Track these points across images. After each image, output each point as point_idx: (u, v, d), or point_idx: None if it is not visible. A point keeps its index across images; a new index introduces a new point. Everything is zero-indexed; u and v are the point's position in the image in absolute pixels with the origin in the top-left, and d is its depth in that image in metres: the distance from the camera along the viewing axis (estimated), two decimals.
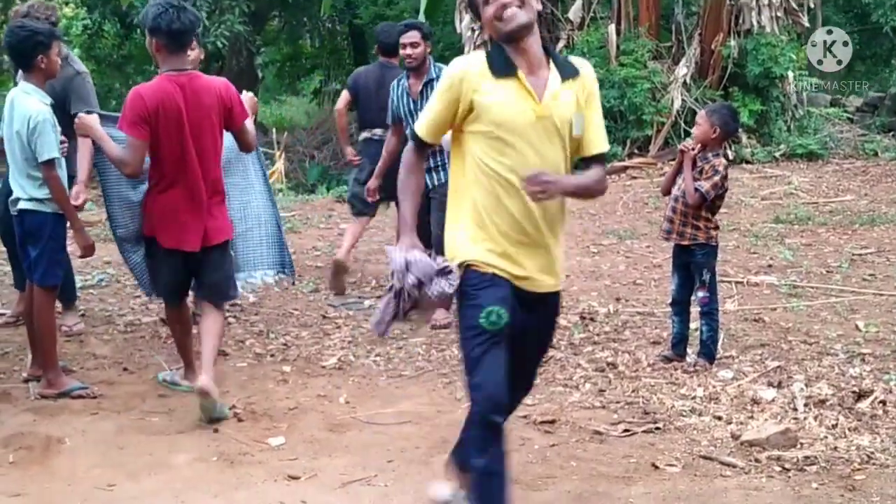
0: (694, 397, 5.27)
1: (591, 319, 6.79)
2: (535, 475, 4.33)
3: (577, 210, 10.79)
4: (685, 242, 5.68)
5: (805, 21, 14.52)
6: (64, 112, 5.67)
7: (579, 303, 7.15)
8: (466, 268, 3.43)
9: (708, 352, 5.74)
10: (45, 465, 4.49)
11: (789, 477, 4.32)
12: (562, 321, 6.69)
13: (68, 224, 5.29)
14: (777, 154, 13.39)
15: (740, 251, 8.92)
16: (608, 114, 13.38)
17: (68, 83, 5.85)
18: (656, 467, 4.43)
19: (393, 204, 7.23)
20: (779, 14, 13.93)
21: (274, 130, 17.69)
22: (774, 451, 4.53)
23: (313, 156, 20.40)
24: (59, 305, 5.91)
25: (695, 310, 5.90)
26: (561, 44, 14.48)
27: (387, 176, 6.63)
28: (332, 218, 10.82)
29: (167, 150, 5.06)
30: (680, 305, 5.86)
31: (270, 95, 28.58)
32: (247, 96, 5.51)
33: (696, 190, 5.57)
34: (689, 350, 5.88)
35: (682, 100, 13.42)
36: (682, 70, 13.70)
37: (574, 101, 3.46)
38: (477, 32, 13.73)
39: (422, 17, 11.89)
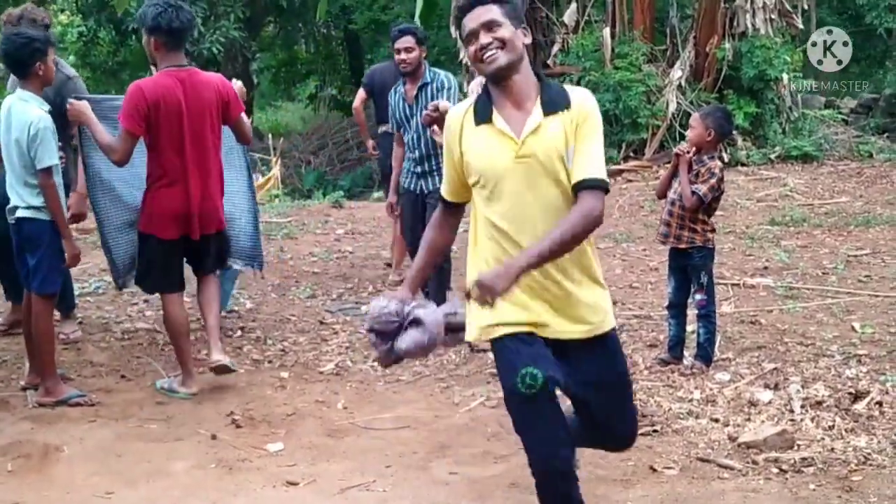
0: (691, 400, 5.28)
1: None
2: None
3: None
4: (682, 246, 5.70)
5: (799, 23, 14.55)
6: (58, 118, 5.68)
7: None
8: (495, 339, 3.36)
9: (705, 354, 5.76)
10: (43, 473, 4.50)
11: (787, 478, 4.33)
12: None
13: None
14: (772, 156, 13.41)
15: (736, 253, 8.94)
16: (603, 117, 13.35)
17: (61, 88, 5.87)
18: (654, 470, 4.44)
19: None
20: (773, 16, 13.95)
21: (270, 136, 17.68)
22: (772, 452, 4.54)
23: (309, 161, 20.43)
24: (56, 314, 5.92)
25: (691, 312, 5.91)
26: (556, 48, 14.53)
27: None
28: (328, 223, 10.82)
29: (168, 143, 5.25)
30: (677, 308, 5.87)
31: (266, 101, 28.65)
32: (236, 85, 5.69)
33: (694, 193, 5.58)
34: (685, 353, 5.89)
35: (678, 103, 13.44)
36: (677, 73, 13.72)
37: (563, 132, 3.26)
38: None
39: (417, 22, 11.89)
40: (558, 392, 3.31)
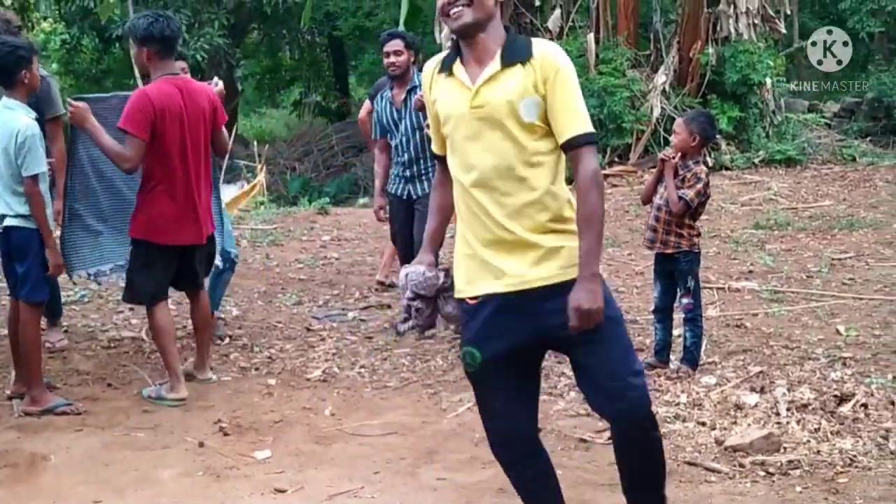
0: (678, 403, 5.30)
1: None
2: None
3: None
4: (669, 250, 5.72)
5: (782, 28, 14.64)
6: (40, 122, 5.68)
7: None
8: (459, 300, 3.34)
9: (691, 358, 5.78)
10: (30, 482, 4.48)
11: (773, 481, 4.35)
12: None
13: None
14: (756, 160, 13.47)
15: (721, 257, 8.97)
16: None
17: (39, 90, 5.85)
18: None
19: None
20: (756, 21, 14.03)
21: (255, 143, 17.67)
22: (758, 455, 4.56)
23: (294, 168, 20.40)
24: (42, 321, 5.90)
25: (677, 316, 5.93)
26: None
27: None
28: (314, 230, 10.82)
29: (171, 149, 5.34)
30: (663, 313, 5.89)
31: (250, 108, 28.61)
32: (218, 86, 5.83)
33: (681, 198, 5.61)
34: (672, 357, 5.91)
35: (662, 108, 13.49)
36: (661, 78, 13.78)
37: (521, 84, 3.15)
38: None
39: (401, 28, 11.91)
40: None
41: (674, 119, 8.99)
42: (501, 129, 3.18)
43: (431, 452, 4.80)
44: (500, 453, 3.48)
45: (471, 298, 3.28)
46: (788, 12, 15.29)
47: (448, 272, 3.42)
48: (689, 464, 4.56)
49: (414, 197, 6.60)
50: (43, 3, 19.45)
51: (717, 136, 12.56)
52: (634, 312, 7.18)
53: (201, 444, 4.88)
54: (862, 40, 18.04)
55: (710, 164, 12.67)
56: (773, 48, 14.60)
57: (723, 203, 11.26)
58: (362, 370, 6.08)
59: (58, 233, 5.61)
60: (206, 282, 6.00)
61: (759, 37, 14.10)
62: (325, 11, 21.64)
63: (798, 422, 4.93)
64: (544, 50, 3.20)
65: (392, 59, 6.68)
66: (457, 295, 3.34)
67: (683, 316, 5.82)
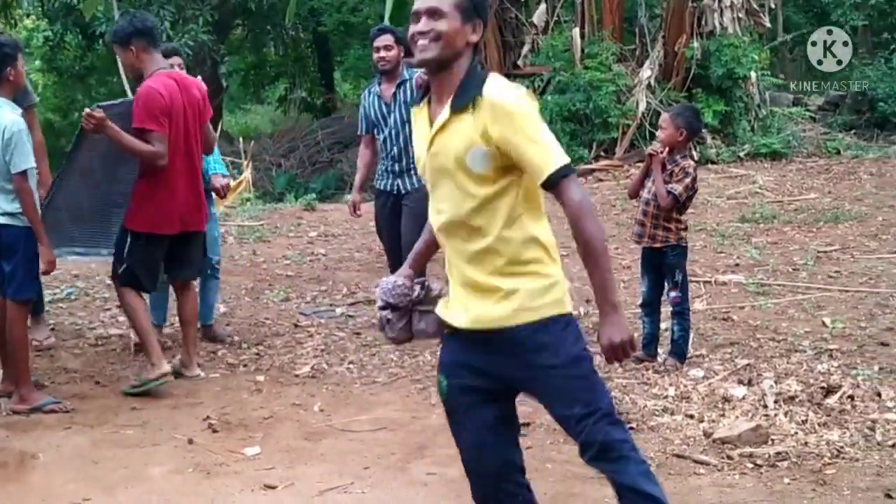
0: (666, 397, 5.32)
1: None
2: None
3: (546, 213, 10.84)
4: (657, 245, 5.74)
5: (766, 22, 14.71)
6: None
7: None
8: None
9: (679, 351, 5.81)
10: (19, 481, 4.47)
11: (761, 473, 4.38)
12: None
13: None
14: (741, 154, 13.52)
15: (707, 251, 9.00)
16: (574, 117, 13.47)
17: None
18: None
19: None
20: (740, 15, 14.09)
21: (241, 140, 17.63)
22: (746, 447, 4.59)
23: (280, 164, 20.35)
24: None
25: (665, 310, 5.96)
26: (526, 48, 14.60)
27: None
28: (300, 226, 10.80)
29: (177, 140, 5.48)
30: (650, 306, 5.92)
31: (235, 104, 28.50)
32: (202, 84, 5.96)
33: (669, 193, 5.63)
34: (659, 350, 5.93)
35: (647, 102, 13.52)
36: (647, 72, 13.81)
37: (468, 136, 2.95)
38: None
39: (387, 24, 11.89)
40: None
41: (659, 113, 9.00)
42: (453, 180, 3.03)
43: (421, 447, 4.81)
44: (472, 487, 3.31)
45: (446, 326, 3.21)
46: (773, 6, 15.39)
47: (424, 284, 3.33)
48: (678, 456, 4.59)
49: (403, 192, 6.58)
50: (26, 0, 19.35)
51: (703, 130, 12.60)
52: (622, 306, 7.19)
53: (191, 441, 4.88)
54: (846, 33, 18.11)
55: (696, 158, 12.71)
56: (758, 42, 14.65)
57: (709, 197, 11.30)
58: (351, 366, 6.09)
59: None
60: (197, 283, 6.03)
61: (744, 31, 14.16)
62: (309, 7, 21.58)
63: (785, 414, 4.96)
64: (493, 94, 2.96)
65: (382, 53, 6.67)
66: (438, 313, 3.25)
67: (671, 309, 5.85)
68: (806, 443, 4.63)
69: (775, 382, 5.37)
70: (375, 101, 6.74)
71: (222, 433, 5.01)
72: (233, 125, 24.59)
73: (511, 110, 2.92)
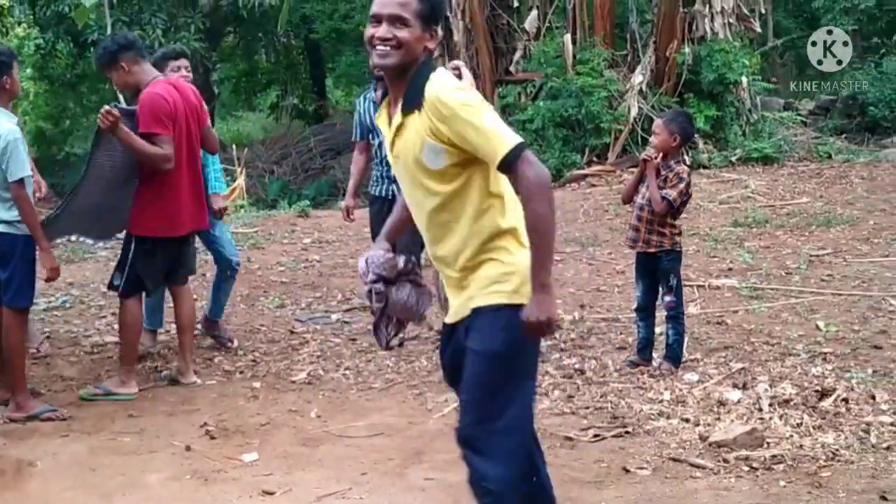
0: (661, 401, 5.34)
1: (557, 327, 6.84)
2: None
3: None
4: (651, 250, 5.77)
5: (757, 27, 14.77)
6: None
7: None
8: None
9: (674, 355, 5.83)
10: (17, 489, 4.47)
11: (757, 476, 4.40)
12: None
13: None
14: (733, 158, 13.56)
15: (700, 255, 9.03)
16: (566, 123, 13.51)
17: None
18: (627, 471, 4.49)
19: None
20: (731, 20, 14.15)
21: (234, 147, 17.63)
22: (742, 451, 4.61)
23: (272, 171, 20.37)
24: None
25: (659, 314, 5.98)
26: (518, 54, 14.63)
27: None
28: (294, 233, 10.82)
29: (180, 144, 5.56)
30: (645, 311, 5.94)
31: (227, 111, 28.51)
32: None
33: (664, 198, 5.65)
34: (654, 354, 5.96)
35: (639, 107, 13.56)
36: (638, 78, 13.85)
37: (419, 135, 3.04)
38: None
39: None
40: None
41: (651, 118, 9.06)
42: (416, 179, 3.14)
43: (418, 453, 4.82)
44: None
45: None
46: (763, 11, 15.44)
47: (409, 259, 3.43)
48: (674, 460, 4.61)
49: (397, 196, 6.59)
50: (17, 8, 19.34)
51: (695, 135, 12.64)
52: (616, 311, 7.23)
53: (188, 448, 4.88)
54: None
55: (689, 163, 12.75)
56: (749, 47, 14.71)
57: (701, 201, 11.33)
58: (347, 372, 6.10)
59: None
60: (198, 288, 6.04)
61: (735, 36, 14.23)
62: (301, 14, 21.63)
63: (780, 417, 4.98)
64: (434, 91, 3.01)
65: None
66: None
67: (665, 314, 5.87)
68: (801, 445, 4.65)
69: (770, 386, 5.39)
70: (371, 106, 6.74)
71: (219, 440, 5.02)
72: (224, 132, 24.55)
73: (452, 104, 2.98)
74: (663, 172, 5.72)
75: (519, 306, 3.04)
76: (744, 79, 13.98)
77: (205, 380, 5.96)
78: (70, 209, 5.53)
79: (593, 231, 10.31)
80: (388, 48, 3.05)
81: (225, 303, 6.71)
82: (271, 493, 4.36)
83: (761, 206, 11.29)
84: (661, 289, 5.84)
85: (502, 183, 3.12)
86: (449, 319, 3.28)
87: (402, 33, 3.04)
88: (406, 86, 3.09)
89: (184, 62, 6.33)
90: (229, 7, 19.81)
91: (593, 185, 12.84)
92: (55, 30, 19.25)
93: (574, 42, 14.20)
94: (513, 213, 3.13)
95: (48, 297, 7.67)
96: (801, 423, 4.90)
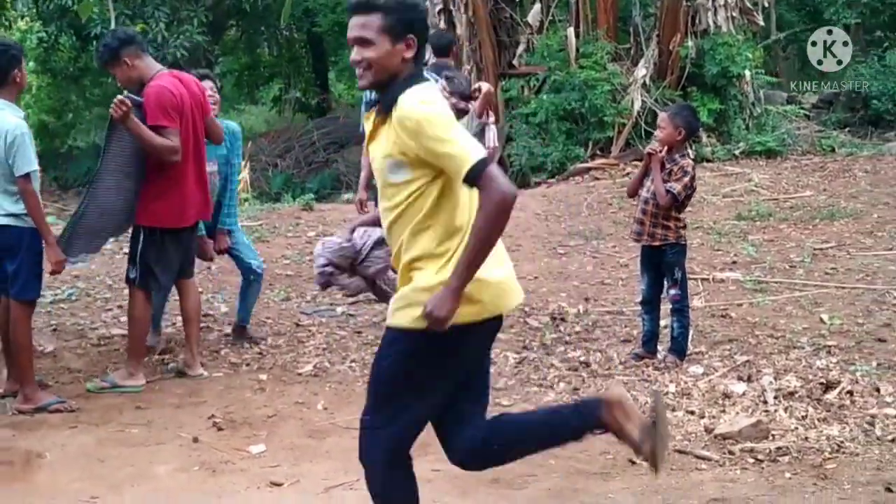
0: (667, 393, 5.36)
1: (562, 320, 6.87)
2: (515, 474, 4.37)
3: (542, 212, 10.91)
4: (656, 243, 5.78)
5: (760, 20, 14.76)
6: None
7: (549, 304, 7.24)
8: None
9: (679, 348, 5.85)
10: (26, 480, 4.50)
11: (763, 468, 4.42)
12: (533, 322, 6.80)
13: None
14: (737, 152, 13.56)
15: (705, 248, 9.05)
16: (569, 116, 13.51)
17: None
18: (633, 463, 4.50)
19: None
20: (734, 14, 14.13)
21: None
22: (747, 443, 4.63)
23: (276, 164, 20.37)
24: None
25: (664, 307, 6.00)
26: (521, 48, 14.62)
27: None
28: (299, 226, 10.82)
29: (186, 136, 5.59)
30: (650, 304, 5.96)
31: (229, 105, 28.48)
32: None
33: (668, 192, 5.67)
34: (659, 347, 5.98)
35: (642, 101, 13.55)
36: (642, 71, 13.84)
37: (385, 147, 3.11)
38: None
39: None
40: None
41: (654, 112, 9.06)
42: (383, 189, 3.21)
43: (425, 444, 4.76)
44: None
45: None
46: (766, 5, 15.43)
47: (378, 243, 3.57)
48: (680, 452, 4.63)
49: None
50: (20, 2, 19.33)
51: (700, 128, 12.64)
52: (621, 304, 7.25)
53: (196, 440, 4.90)
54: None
55: (693, 157, 12.74)
56: (752, 40, 14.69)
57: (705, 195, 11.33)
58: (353, 364, 6.12)
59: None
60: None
61: (738, 29, 14.20)
62: (303, 8, 21.62)
63: (785, 409, 5.01)
64: (401, 105, 3.04)
65: None
66: None
67: (670, 307, 5.89)
68: (806, 438, 4.68)
69: (775, 378, 5.42)
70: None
71: (227, 431, 5.04)
72: None
73: (416, 118, 3.00)
74: (668, 166, 5.74)
75: (420, 332, 3.10)
76: (747, 72, 13.97)
77: (211, 372, 5.98)
78: (89, 211, 5.53)
79: (597, 224, 10.33)
80: (362, 70, 3.14)
81: (252, 307, 6.72)
82: (279, 485, 4.39)
83: (765, 199, 11.29)
84: (665, 282, 5.85)
85: (455, 202, 3.12)
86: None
87: (369, 53, 3.10)
88: (385, 95, 3.14)
89: (209, 84, 6.28)
90: (232, 1, 19.80)
91: (597, 179, 12.84)
92: (58, 23, 19.24)
93: (577, 35, 14.18)
94: (451, 242, 3.12)
95: (54, 289, 7.69)
96: (806, 416, 4.92)
